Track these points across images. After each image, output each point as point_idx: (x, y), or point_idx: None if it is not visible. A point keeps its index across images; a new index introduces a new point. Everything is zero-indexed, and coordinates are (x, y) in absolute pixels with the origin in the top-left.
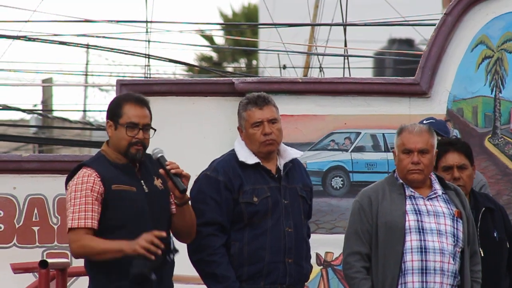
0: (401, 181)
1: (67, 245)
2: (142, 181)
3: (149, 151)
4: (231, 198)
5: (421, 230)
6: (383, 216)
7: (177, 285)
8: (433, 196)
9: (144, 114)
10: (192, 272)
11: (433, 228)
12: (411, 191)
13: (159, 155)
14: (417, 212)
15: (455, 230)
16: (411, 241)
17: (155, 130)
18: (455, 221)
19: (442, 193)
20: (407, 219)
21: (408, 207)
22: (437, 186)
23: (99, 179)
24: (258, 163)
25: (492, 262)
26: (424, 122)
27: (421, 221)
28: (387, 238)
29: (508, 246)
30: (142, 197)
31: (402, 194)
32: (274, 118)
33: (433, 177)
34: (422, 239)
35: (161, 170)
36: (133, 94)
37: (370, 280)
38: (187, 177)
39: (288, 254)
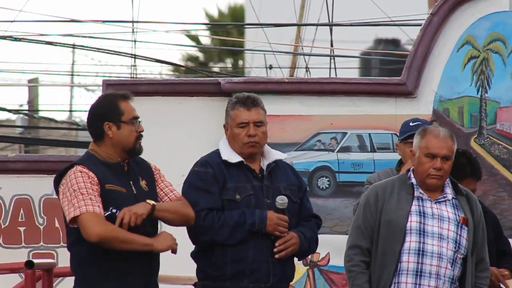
0: (412, 181)
1: (53, 245)
2: (131, 182)
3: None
4: (218, 190)
5: (421, 233)
6: (386, 213)
7: (162, 286)
8: (441, 199)
9: (134, 107)
10: (179, 272)
11: (435, 231)
12: (420, 193)
13: (283, 207)
14: (421, 214)
15: (458, 236)
16: (410, 242)
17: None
18: (459, 227)
19: (453, 198)
20: (409, 219)
21: (413, 208)
22: (448, 190)
23: (95, 178)
24: (242, 161)
25: None
26: (411, 124)
27: (424, 224)
28: (387, 236)
29: (495, 247)
30: (131, 198)
31: (410, 194)
32: (260, 120)
33: (447, 180)
34: (422, 241)
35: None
36: (118, 92)
37: (367, 274)
38: None
39: (272, 253)
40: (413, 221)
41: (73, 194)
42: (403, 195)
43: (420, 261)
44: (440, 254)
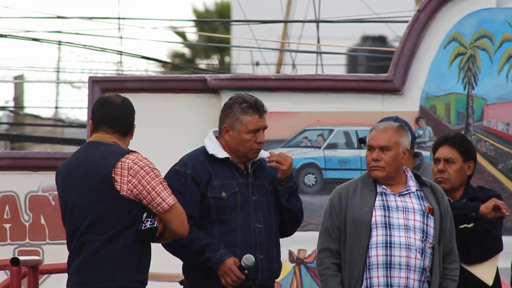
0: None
1: (39, 242)
2: None
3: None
4: (198, 191)
5: (387, 226)
6: (351, 212)
7: (151, 283)
8: (405, 192)
9: None
10: (166, 269)
11: (401, 223)
12: (382, 188)
13: (246, 267)
14: (385, 207)
15: (425, 225)
16: (377, 236)
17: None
18: (425, 217)
19: (417, 190)
20: (373, 214)
21: (377, 203)
22: (411, 183)
23: None
24: (228, 158)
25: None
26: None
27: (388, 217)
28: (354, 233)
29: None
30: None
31: (373, 190)
32: (266, 127)
33: (409, 174)
34: (388, 234)
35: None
36: None
37: (339, 276)
38: None
39: (260, 249)
40: (377, 216)
41: (158, 178)
42: (366, 192)
43: (388, 253)
44: (408, 245)
